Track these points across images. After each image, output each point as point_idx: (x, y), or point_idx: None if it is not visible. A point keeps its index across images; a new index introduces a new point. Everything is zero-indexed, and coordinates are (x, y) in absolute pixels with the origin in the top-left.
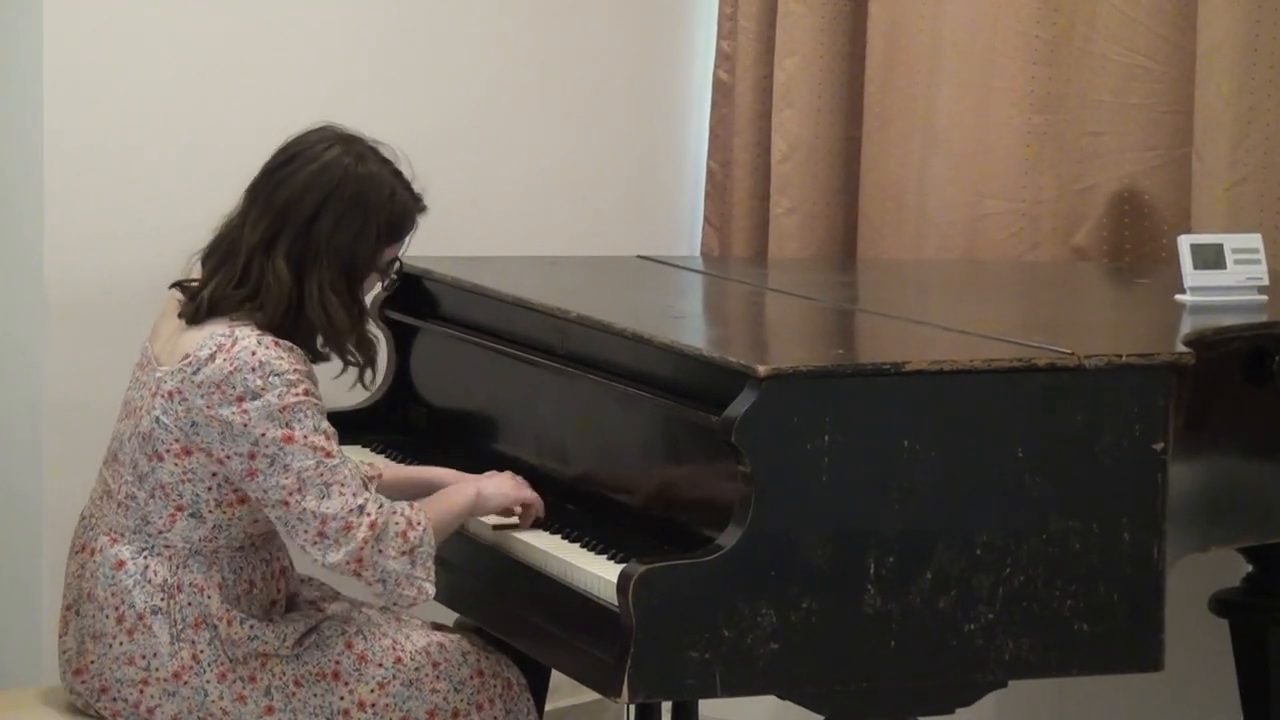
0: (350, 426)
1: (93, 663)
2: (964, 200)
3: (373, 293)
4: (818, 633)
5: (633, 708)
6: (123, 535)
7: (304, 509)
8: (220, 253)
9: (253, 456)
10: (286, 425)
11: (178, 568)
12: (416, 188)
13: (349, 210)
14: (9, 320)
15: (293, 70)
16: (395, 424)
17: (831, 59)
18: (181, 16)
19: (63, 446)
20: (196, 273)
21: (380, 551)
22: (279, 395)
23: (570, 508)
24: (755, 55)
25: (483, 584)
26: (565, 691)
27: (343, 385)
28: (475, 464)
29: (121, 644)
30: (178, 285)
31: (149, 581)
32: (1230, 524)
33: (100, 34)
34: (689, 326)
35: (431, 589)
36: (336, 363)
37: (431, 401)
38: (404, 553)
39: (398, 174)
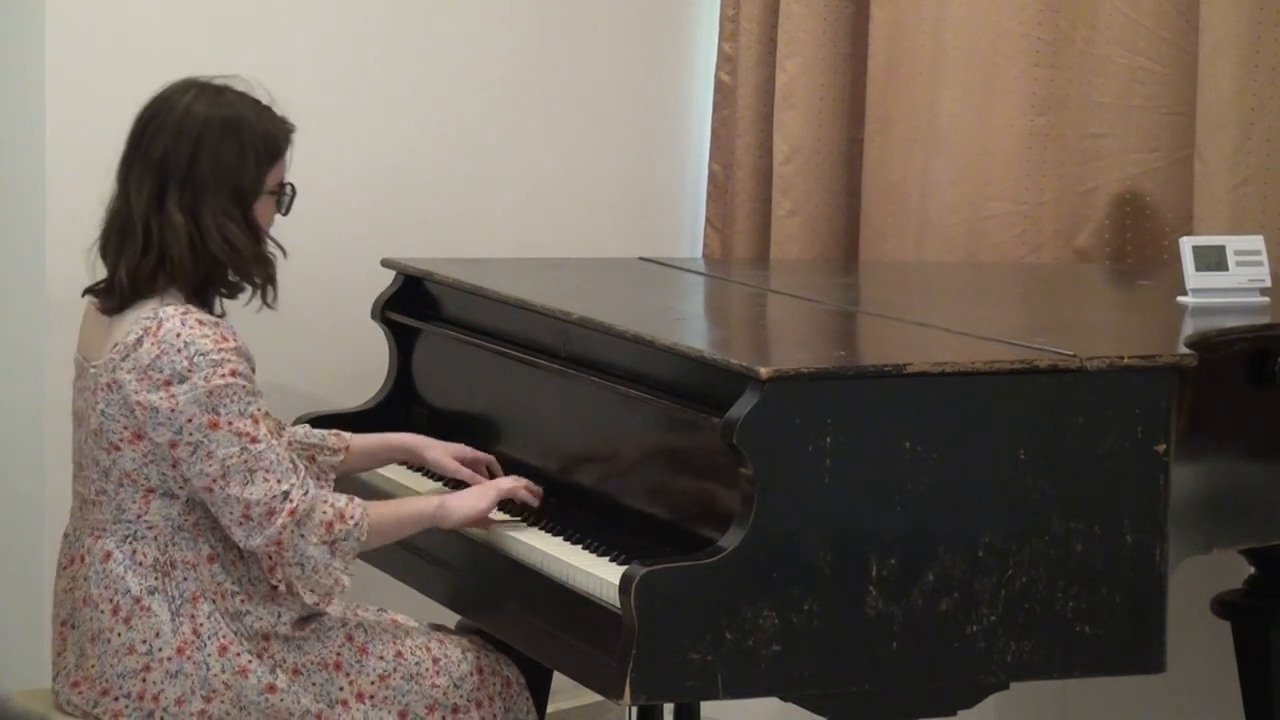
0: (352, 428)
1: (93, 666)
2: (966, 202)
3: (273, 219)
4: (820, 635)
5: (634, 710)
6: (104, 529)
7: (228, 495)
8: (116, 234)
9: (174, 445)
10: (213, 410)
11: (166, 546)
12: (280, 113)
13: (224, 140)
14: (11, 320)
15: (295, 73)
16: (397, 425)
17: (833, 61)
18: (183, 18)
19: (64, 448)
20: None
21: (302, 537)
22: (205, 378)
23: (572, 509)
24: (757, 57)
25: (484, 586)
26: (567, 693)
27: (342, 385)
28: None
29: (120, 635)
30: (90, 291)
31: (140, 564)
32: (1232, 526)
33: (102, 35)
34: (691, 328)
35: (347, 581)
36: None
37: (433, 403)
38: (325, 542)
39: (258, 102)
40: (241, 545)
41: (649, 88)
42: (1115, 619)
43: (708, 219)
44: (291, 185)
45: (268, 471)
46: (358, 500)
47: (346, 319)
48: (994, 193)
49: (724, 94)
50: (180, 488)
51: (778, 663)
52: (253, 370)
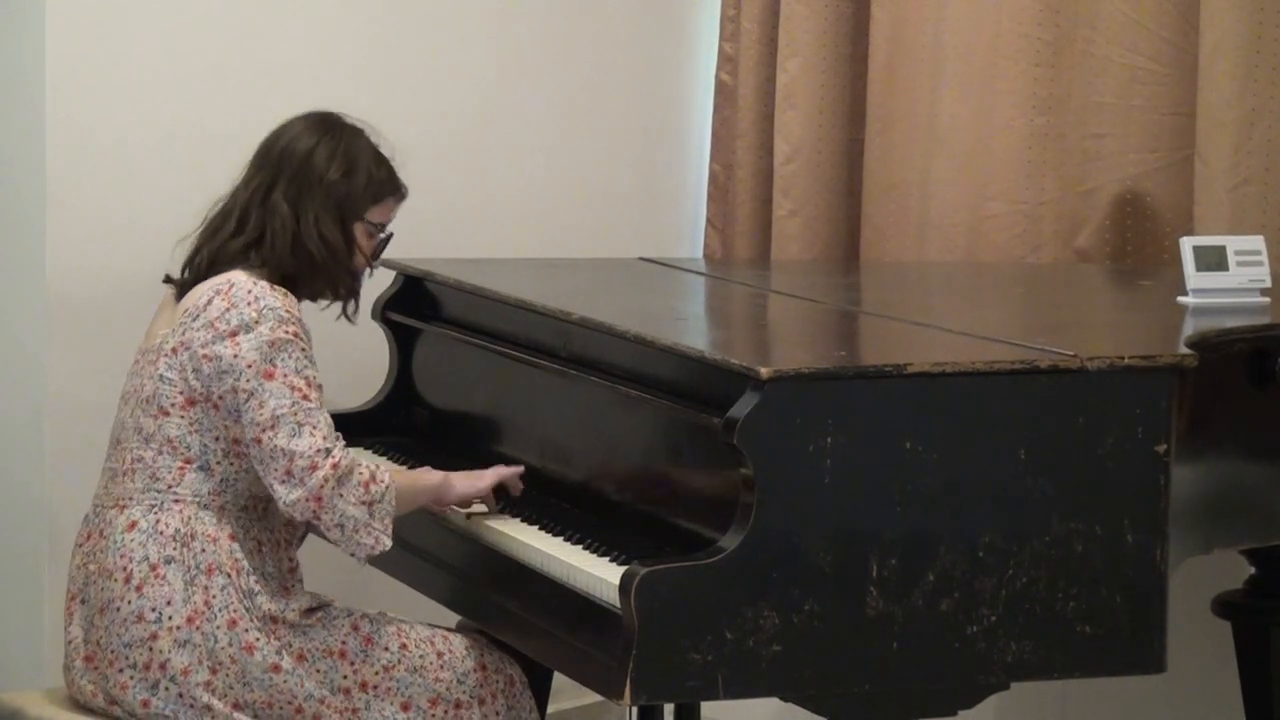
0: (352, 428)
1: (100, 638)
2: (966, 202)
3: (366, 262)
4: (820, 635)
5: (635, 710)
6: (131, 499)
7: (275, 445)
8: (215, 222)
9: (235, 391)
10: (270, 361)
11: (190, 519)
12: (400, 173)
13: (339, 153)
14: (11, 320)
15: (295, 70)
16: (397, 426)
17: (834, 61)
18: (183, 16)
19: (65, 446)
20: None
21: (341, 495)
22: (270, 328)
23: (572, 510)
24: (758, 57)
25: (484, 586)
26: (568, 693)
27: (342, 385)
28: (477, 466)
29: (130, 603)
30: (170, 280)
31: (160, 534)
32: (1233, 526)
33: (102, 34)
34: (691, 328)
35: (388, 541)
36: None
37: (434, 403)
38: (364, 502)
39: (381, 153)
40: (283, 504)
41: (649, 88)
42: (1116, 619)
43: (708, 219)
44: (390, 232)
45: (315, 427)
46: (383, 465)
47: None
48: (994, 193)
49: (724, 94)
50: (218, 462)
51: (778, 663)
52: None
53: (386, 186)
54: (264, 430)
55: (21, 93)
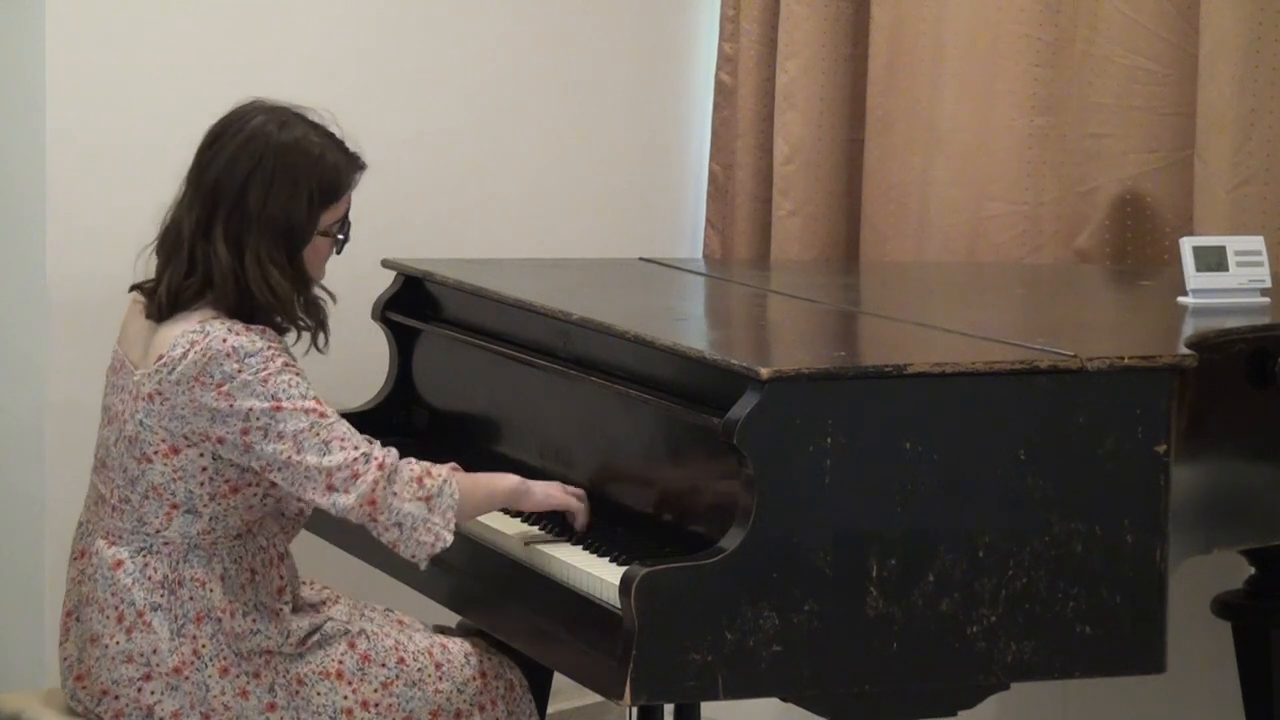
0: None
1: (93, 667)
2: (966, 202)
3: (329, 257)
4: (820, 635)
5: (635, 710)
6: (120, 537)
7: (307, 466)
8: (168, 245)
9: (245, 432)
10: (272, 397)
11: (178, 563)
12: (352, 147)
13: (276, 178)
14: (11, 321)
15: (294, 70)
16: (397, 426)
17: (834, 61)
18: (184, 17)
19: (65, 448)
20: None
21: (394, 493)
22: (255, 372)
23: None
24: (757, 57)
25: (485, 586)
26: (568, 694)
27: (342, 385)
28: (477, 467)
29: (119, 643)
30: (137, 288)
31: (148, 579)
32: (1232, 526)
33: (103, 35)
34: (691, 329)
35: (449, 537)
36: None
37: (434, 404)
38: (420, 498)
39: (329, 135)
40: (334, 513)
41: (649, 88)
42: (1115, 619)
43: (708, 219)
44: (348, 223)
45: (343, 440)
46: (438, 465)
47: (346, 319)
48: (994, 193)
49: (724, 94)
50: (205, 505)
51: (778, 663)
52: None
53: (341, 182)
54: (290, 455)
55: (22, 95)
